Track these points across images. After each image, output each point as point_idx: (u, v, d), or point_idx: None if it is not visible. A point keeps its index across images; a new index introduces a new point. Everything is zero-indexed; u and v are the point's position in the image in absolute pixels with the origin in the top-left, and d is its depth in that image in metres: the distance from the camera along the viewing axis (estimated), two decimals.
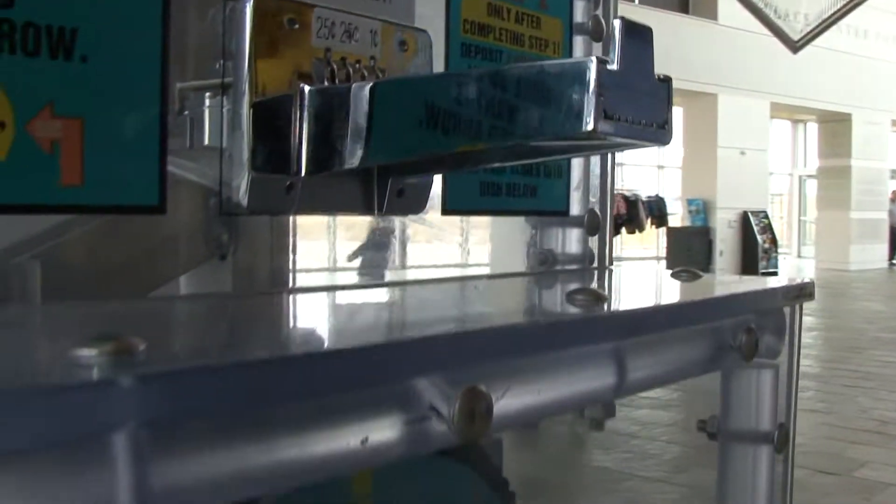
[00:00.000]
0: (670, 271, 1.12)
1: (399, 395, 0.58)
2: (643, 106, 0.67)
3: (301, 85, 0.81)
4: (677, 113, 17.01)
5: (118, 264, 0.82)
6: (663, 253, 17.10)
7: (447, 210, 1.03)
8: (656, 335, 0.82)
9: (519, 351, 0.65)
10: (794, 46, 12.72)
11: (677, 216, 17.04)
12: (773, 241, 17.08)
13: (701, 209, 16.41)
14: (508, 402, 0.66)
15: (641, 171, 17.86)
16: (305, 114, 0.80)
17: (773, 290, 1.04)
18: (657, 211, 16.43)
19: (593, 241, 1.22)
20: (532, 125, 0.66)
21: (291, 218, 0.92)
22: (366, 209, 0.88)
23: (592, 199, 1.22)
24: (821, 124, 19.31)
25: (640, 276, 1.29)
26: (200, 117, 0.83)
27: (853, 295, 14.20)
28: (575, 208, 1.19)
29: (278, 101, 0.80)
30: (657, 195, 16.80)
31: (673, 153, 17.50)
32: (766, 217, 17.14)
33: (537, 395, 0.70)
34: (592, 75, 0.64)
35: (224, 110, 0.82)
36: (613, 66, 0.64)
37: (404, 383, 0.57)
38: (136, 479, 0.45)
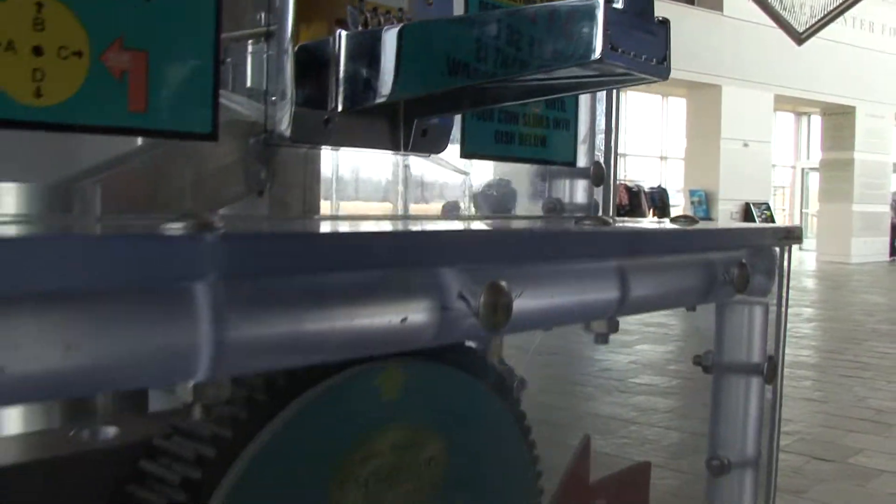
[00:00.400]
0: (669, 218, 1.21)
1: (433, 284, 0.67)
2: (645, 42, 0.76)
3: (338, 30, 0.90)
4: (680, 104, 17.09)
5: (172, 189, 0.91)
6: None
7: (465, 154, 1.12)
8: (656, 258, 0.92)
9: (535, 253, 0.74)
10: (799, 38, 12.78)
11: (679, 207, 17.12)
12: None
13: (703, 200, 16.50)
14: (526, 301, 0.75)
15: (644, 162, 17.95)
16: (342, 55, 0.89)
17: (763, 229, 1.13)
18: (659, 202, 16.52)
19: (598, 193, 1.31)
20: (546, 57, 0.75)
21: (323, 155, 1.01)
22: (393, 146, 0.97)
23: (598, 153, 1.31)
24: (824, 117, 19.38)
25: (642, 222, 1.39)
26: (243, 62, 0.93)
27: (853, 287, 14.29)
28: (581, 160, 1.29)
29: (318, 45, 0.90)
30: (659, 186, 16.90)
31: (676, 145, 17.59)
32: (769, 209, 17.24)
33: (550, 300, 0.79)
34: (600, 13, 0.73)
35: (266, 56, 0.92)
36: (619, 6, 0.73)
37: (437, 272, 0.66)
38: (214, 327, 0.54)
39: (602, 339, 0.89)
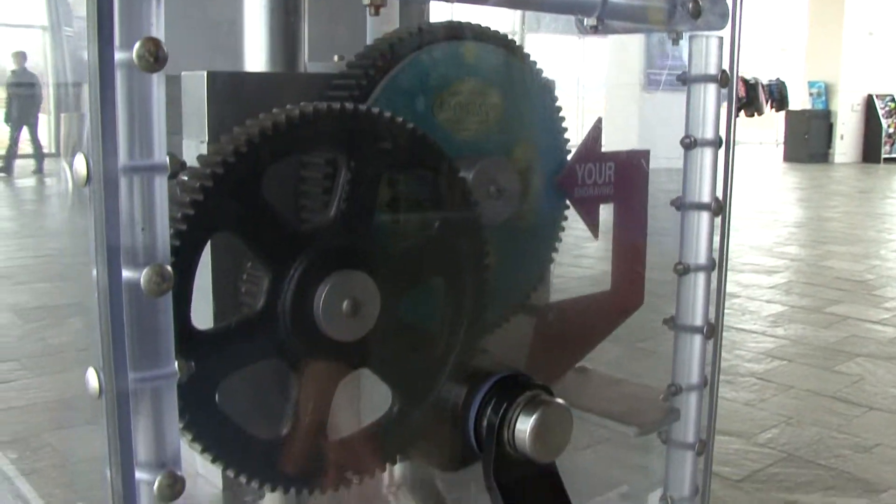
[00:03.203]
0: None
1: None
2: None
3: None
4: None
5: None
6: (782, 137, 16.89)
7: None
8: None
9: None
10: None
11: (799, 100, 16.72)
12: None
13: (822, 92, 16.06)
14: None
15: (763, 53, 17.51)
16: None
17: None
18: (777, 94, 16.19)
19: None
20: None
21: None
22: None
23: None
24: None
25: None
26: None
27: None
28: None
29: None
30: (778, 78, 16.51)
31: (797, 35, 17.06)
32: (893, 100, 16.63)
33: None
34: None
35: None
36: None
37: None
38: None
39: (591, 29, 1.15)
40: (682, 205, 1.07)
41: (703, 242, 1.06)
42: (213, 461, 0.73)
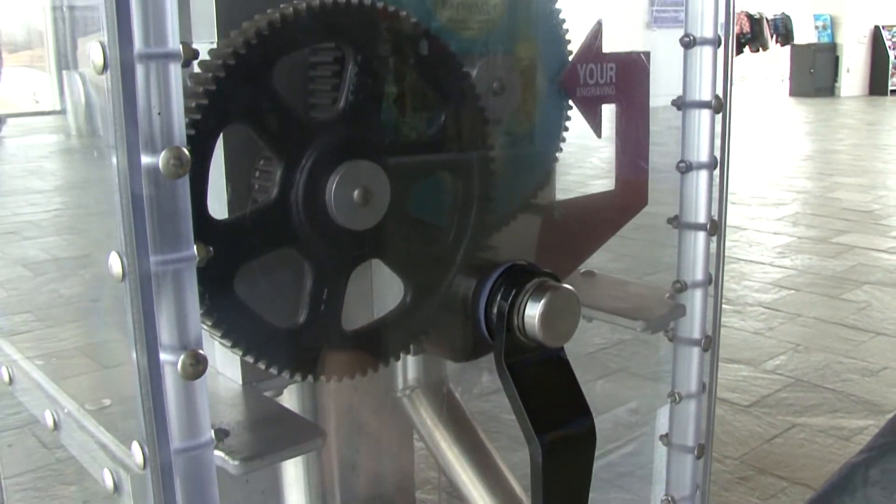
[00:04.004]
0: None
1: None
2: None
3: None
4: None
5: None
6: (787, 72, 16.75)
7: None
8: None
9: None
10: None
11: (804, 34, 16.55)
12: None
13: (828, 24, 15.89)
14: None
15: None
16: None
17: None
18: (782, 28, 16.03)
19: None
20: None
21: None
22: None
23: None
24: None
25: None
26: None
27: None
28: None
29: None
30: (783, 13, 16.34)
31: None
32: None
33: None
34: None
35: None
36: None
37: None
38: None
39: None
40: (683, 104, 1.08)
41: (704, 140, 1.08)
42: (232, 346, 0.76)
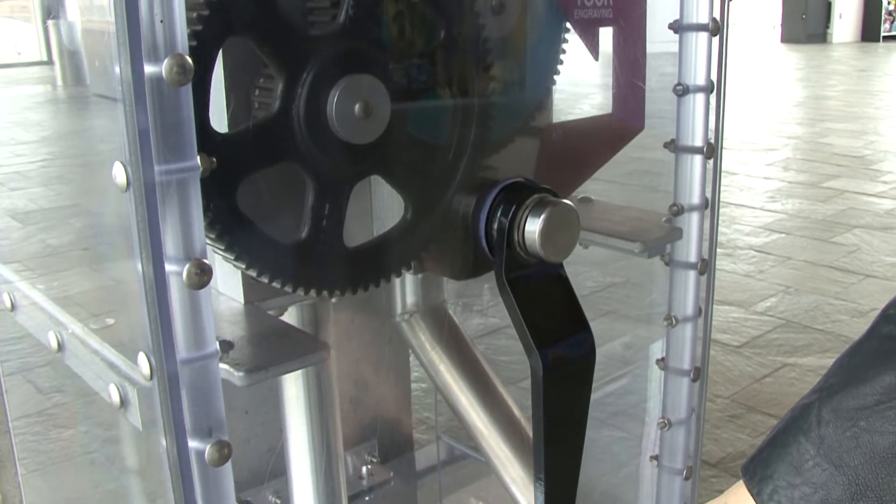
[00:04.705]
0: None
1: None
2: None
3: None
4: None
5: None
6: (779, 19, 16.65)
7: None
8: None
9: None
10: None
11: None
12: None
13: None
14: None
15: None
16: None
17: None
18: None
19: None
20: None
21: None
22: None
23: None
24: None
25: None
26: None
27: None
28: None
29: None
30: None
31: None
32: None
33: None
34: None
35: None
36: None
37: None
38: None
39: None
40: (680, 27, 1.08)
41: (701, 63, 1.08)
42: (236, 260, 0.76)
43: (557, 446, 0.87)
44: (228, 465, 0.74)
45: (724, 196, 5.70)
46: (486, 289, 0.88)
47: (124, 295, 0.81)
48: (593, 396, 0.94)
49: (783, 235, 5.02)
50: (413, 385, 1.74)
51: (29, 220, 5.53)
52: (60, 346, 0.95)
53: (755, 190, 6.00)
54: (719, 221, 1.22)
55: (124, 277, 0.81)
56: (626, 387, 2.72)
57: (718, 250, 4.37)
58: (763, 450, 0.65)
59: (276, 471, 1.46)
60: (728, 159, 6.80)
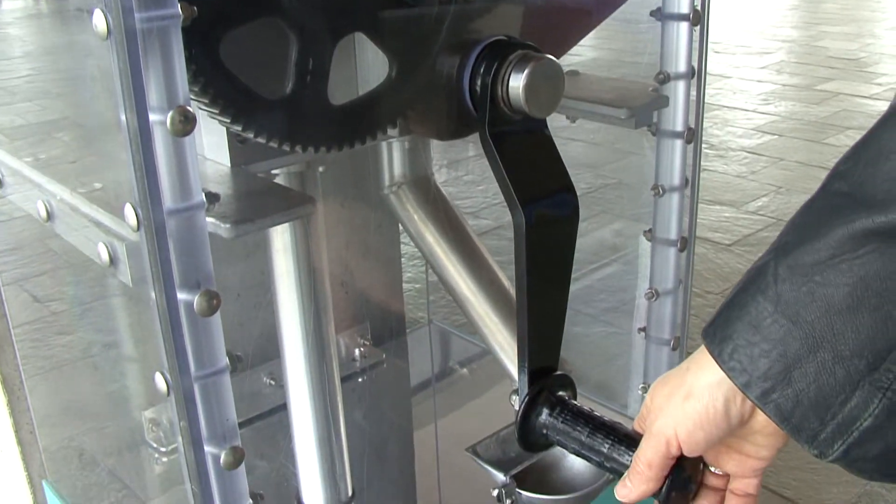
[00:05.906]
0: None
1: None
2: None
3: None
4: None
5: None
6: None
7: None
8: None
9: None
10: None
11: None
12: None
13: None
14: None
15: None
16: None
17: None
18: None
19: None
20: None
21: None
22: None
23: None
24: None
25: None
26: None
27: None
28: None
29: None
30: None
31: None
32: None
33: None
34: None
35: None
36: None
37: None
38: None
39: None
40: None
41: None
42: (220, 114, 0.76)
43: (541, 303, 0.88)
44: (217, 315, 0.75)
45: (717, 99, 5.67)
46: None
47: (111, 158, 0.80)
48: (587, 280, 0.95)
49: (776, 137, 5.01)
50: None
51: (16, 135, 5.48)
52: (50, 215, 0.96)
53: (748, 93, 5.95)
54: (706, 94, 1.22)
55: (110, 143, 0.81)
56: (618, 284, 2.74)
57: (710, 151, 4.35)
58: (722, 312, 0.65)
59: (269, 354, 1.48)
60: (721, 63, 6.73)
